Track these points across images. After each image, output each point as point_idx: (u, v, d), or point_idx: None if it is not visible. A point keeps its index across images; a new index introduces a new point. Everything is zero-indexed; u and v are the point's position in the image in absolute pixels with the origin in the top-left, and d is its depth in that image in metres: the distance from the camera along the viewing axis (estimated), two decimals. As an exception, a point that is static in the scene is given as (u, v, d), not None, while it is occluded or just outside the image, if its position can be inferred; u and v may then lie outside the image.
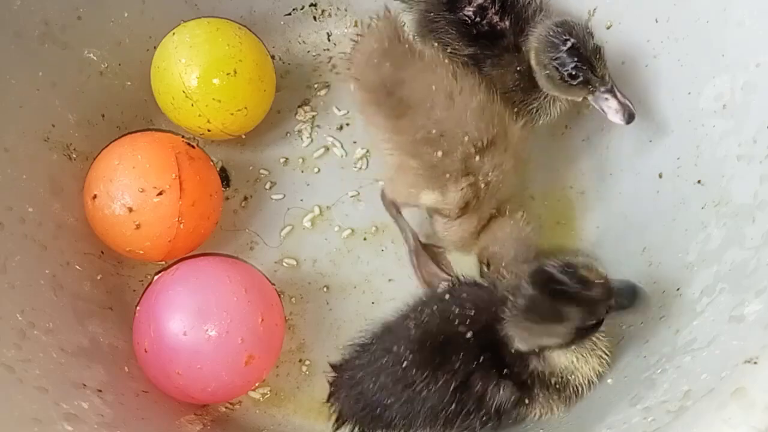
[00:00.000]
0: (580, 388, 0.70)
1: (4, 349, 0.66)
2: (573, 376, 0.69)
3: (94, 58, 0.90)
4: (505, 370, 0.69)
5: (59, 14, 0.84)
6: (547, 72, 0.78)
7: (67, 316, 0.77)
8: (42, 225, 0.79)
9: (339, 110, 1.00)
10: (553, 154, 0.96)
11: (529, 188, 0.94)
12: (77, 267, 0.82)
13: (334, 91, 1.02)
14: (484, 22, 0.82)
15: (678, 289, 0.72)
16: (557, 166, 0.95)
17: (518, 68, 0.82)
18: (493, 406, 0.69)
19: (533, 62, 0.80)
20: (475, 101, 0.76)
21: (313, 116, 1.00)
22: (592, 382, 0.70)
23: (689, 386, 0.59)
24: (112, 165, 0.81)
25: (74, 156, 0.87)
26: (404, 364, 0.69)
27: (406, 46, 0.78)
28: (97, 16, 0.88)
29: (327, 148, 0.98)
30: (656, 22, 0.82)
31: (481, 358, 0.68)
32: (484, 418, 0.70)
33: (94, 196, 0.81)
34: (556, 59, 0.76)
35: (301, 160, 0.97)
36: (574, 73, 0.75)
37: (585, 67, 0.75)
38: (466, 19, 0.82)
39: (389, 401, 0.70)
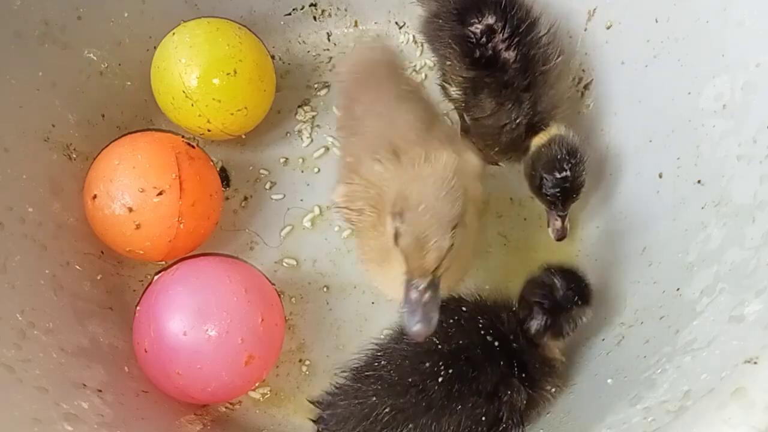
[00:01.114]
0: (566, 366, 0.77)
1: (4, 349, 0.66)
2: (562, 358, 0.76)
3: (94, 58, 0.90)
4: (523, 374, 0.71)
5: (59, 14, 0.84)
6: (533, 174, 0.82)
7: (67, 316, 0.77)
8: (42, 225, 0.79)
9: (339, 110, 1.00)
10: (553, 154, 0.96)
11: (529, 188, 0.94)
12: (77, 267, 0.83)
13: (334, 91, 1.02)
14: (489, 45, 0.79)
15: (678, 289, 0.72)
16: (557, 166, 0.95)
17: (516, 120, 0.82)
18: (517, 410, 0.71)
19: (529, 152, 0.83)
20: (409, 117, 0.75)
21: (313, 116, 1.00)
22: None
23: (689, 386, 0.59)
24: (112, 165, 0.81)
25: (74, 156, 0.87)
26: (440, 380, 0.68)
27: (389, 73, 0.80)
28: (97, 16, 0.88)
29: (327, 148, 0.98)
30: (656, 22, 0.82)
31: (505, 364, 0.70)
32: (512, 423, 0.71)
33: (94, 196, 0.81)
34: (546, 177, 0.80)
35: (301, 160, 0.97)
36: (549, 195, 0.81)
37: (559, 196, 0.81)
38: (471, 36, 0.80)
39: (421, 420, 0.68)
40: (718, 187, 0.72)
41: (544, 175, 0.80)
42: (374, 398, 0.68)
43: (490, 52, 0.80)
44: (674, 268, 0.74)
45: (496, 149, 0.86)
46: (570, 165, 0.80)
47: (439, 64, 0.87)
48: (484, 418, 0.69)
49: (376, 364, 0.71)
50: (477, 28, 0.80)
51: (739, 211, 0.68)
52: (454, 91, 0.84)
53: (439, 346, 0.70)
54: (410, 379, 0.68)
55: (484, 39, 0.79)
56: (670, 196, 0.79)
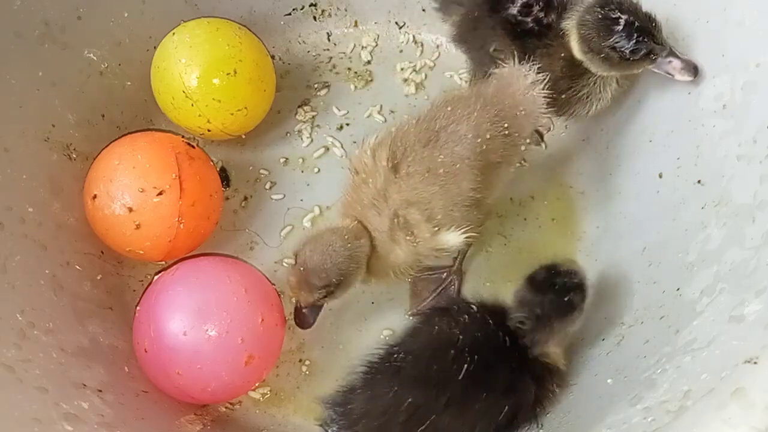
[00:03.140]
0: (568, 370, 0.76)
1: (4, 349, 0.66)
2: (562, 363, 0.75)
3: (94, 58, 0.90)
4: (530, 372, 0.71)
5: (59, 14, 0.84)
6: (602, 56, 0.77)
7: (67, 316, 0.77)
8: (42, 225, 0.79)
9: (339, 110, 1.00)
10: (552, 154, 0.96)
11: (530, 188, 0.94)
12: (77, 267, 0.82)
13: (334, 91, 1.02)
14: (530, 19, 0.82)
15: (678, 289, 0.72)
16: (557, 166, 0.96)
17: (562, 55, 0.81)
18: (529, 406, 0.71)
19: (579, 51, 0.79)
20: None
21: (313, 116, 1.00)
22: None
23: (689, 386, 0.59)
24: (112, 165, 0.81)
25: (74, 156, 0.87)
26: (460, 377, 0.67)
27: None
28: (97, 16, 0.88)
29: (327, 148, 0.98)
30: (656, 22, 0.82)
31: (516, 360, 0.70)
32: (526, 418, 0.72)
33: (94, 196, 0.81)
34: (613, 41, 0.75)
35: (301, 160, 0.97)
36: (635, 48, 0.74)
37: (646, 39, 0.74)
38: (511, 18, 0.82)
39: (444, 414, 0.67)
40: (718, 187, 0.72)
41: (609, 41, 0.74)
42: (391, 394, 0.67)
43: (532, 24, 0.82)
44: (674, 268, 0.74)
45: (566, 97, 0.83)
46: (617, 10, 0.74)
47: (476, 60, 0.89)
48: (501, 415, 0.69)
49: (394, 356, 0.70)
50: (514, 9, 0.82)
51: (739, 211, 0.68)
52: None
53: (460, 337, 0.69)
54: (432, 372, 0.67)
55: (522, 16, 0.82)
56: (670, 196, 0.79)
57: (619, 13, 0.74)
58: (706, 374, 0.58)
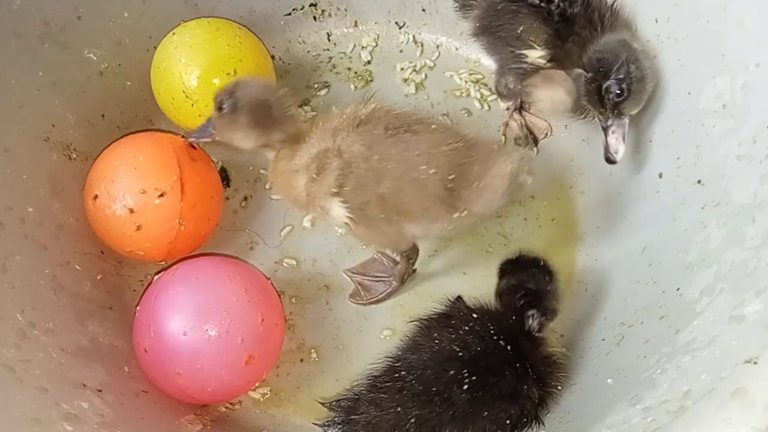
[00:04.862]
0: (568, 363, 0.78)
1: (4, 349, 0.66)
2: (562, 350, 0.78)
3: (94, 58, 0.90)
4: (534, 375, 0.71)
5: (59, 14, 0.84)
6: (589, 80, 0.82)
7: (67, 316, 0.77)
8: (42, 225, 0.79)
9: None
10: (553, 154, 0.96)
11: (530, 188, 0.94)
12: (77, 267, 0.82)
13: (334, 91, 1.02)
14: (555, 10, 0.83)
15: (678, 289, 0.72)
16: (557, 166, 0.96)
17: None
18: (534, 407, 0.71)
19: (587, 63, 0.82)
20: None
21: (313, 116, 1.00)
22: None
23: (689, 386, 0.59)
24: (114, 166, 0.81)
25: (74, 156, 0.87)
26: (465, 387, 0.67)
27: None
28: (97, 16, 0.88)
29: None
30: (656, 22, 0.82)
31: (519, 365, 0.70)
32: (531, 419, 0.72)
33: (95, 197, 0.80)
34: (610, 75, 0.80)
35: (301, 160, 0.97)
36: (606, 94, 0.80)
37: (613, 102, 0.80)
38: (534, 7, 0.84)
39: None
40: (718, 187, 0.72)
41: (604, 76, 0.80)
42: (399, 408, 0.68)
43: (558, 16, 0.84)
44: (674, 268, 0.74)
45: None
46: (625, 73, 0.79)
47: (500, 50, 0.90)
48: (508, 421, 0.69)
49: (396, 375, 0.70)
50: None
51: (739, 211, 0.68)
52: (538, 55, 0.86)
53: (460, 354, 0.69)
54: (435, 389, 0.68)
55: (543, 4, 0.84)
56: (670, 196, 0.80)
57: (623, 71, 0.79)
58: (706, 374, 0.58)
